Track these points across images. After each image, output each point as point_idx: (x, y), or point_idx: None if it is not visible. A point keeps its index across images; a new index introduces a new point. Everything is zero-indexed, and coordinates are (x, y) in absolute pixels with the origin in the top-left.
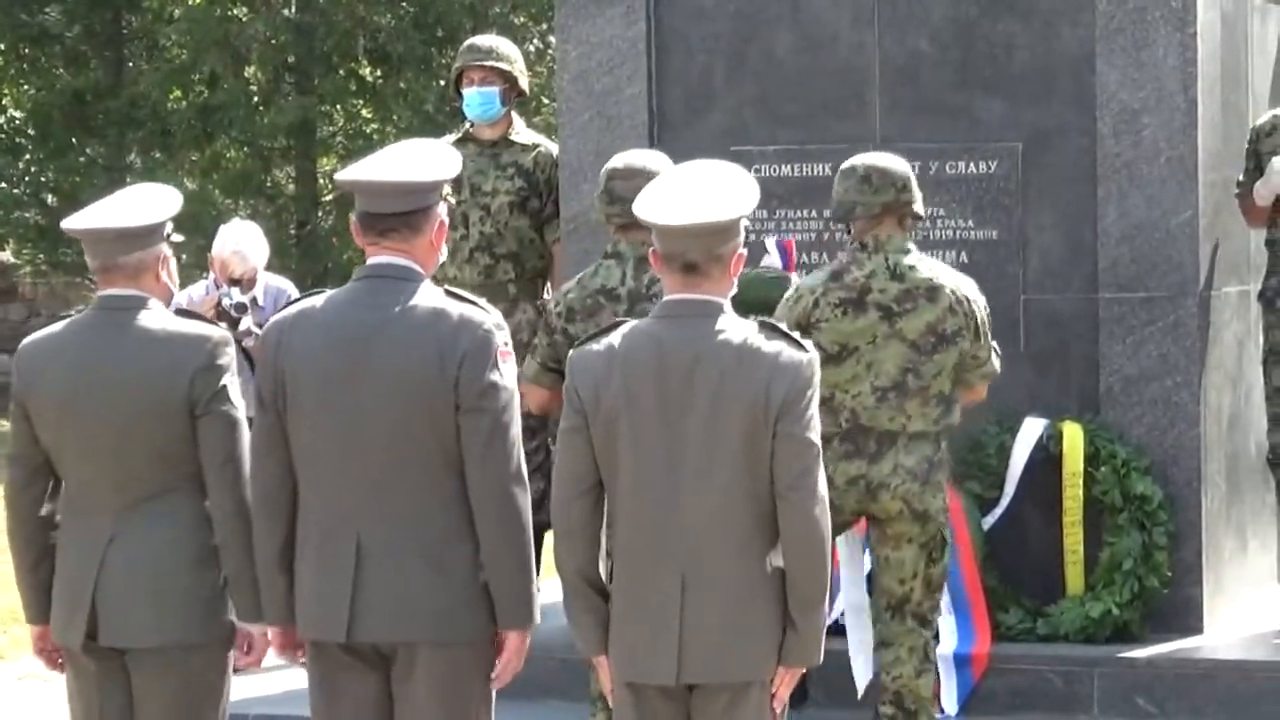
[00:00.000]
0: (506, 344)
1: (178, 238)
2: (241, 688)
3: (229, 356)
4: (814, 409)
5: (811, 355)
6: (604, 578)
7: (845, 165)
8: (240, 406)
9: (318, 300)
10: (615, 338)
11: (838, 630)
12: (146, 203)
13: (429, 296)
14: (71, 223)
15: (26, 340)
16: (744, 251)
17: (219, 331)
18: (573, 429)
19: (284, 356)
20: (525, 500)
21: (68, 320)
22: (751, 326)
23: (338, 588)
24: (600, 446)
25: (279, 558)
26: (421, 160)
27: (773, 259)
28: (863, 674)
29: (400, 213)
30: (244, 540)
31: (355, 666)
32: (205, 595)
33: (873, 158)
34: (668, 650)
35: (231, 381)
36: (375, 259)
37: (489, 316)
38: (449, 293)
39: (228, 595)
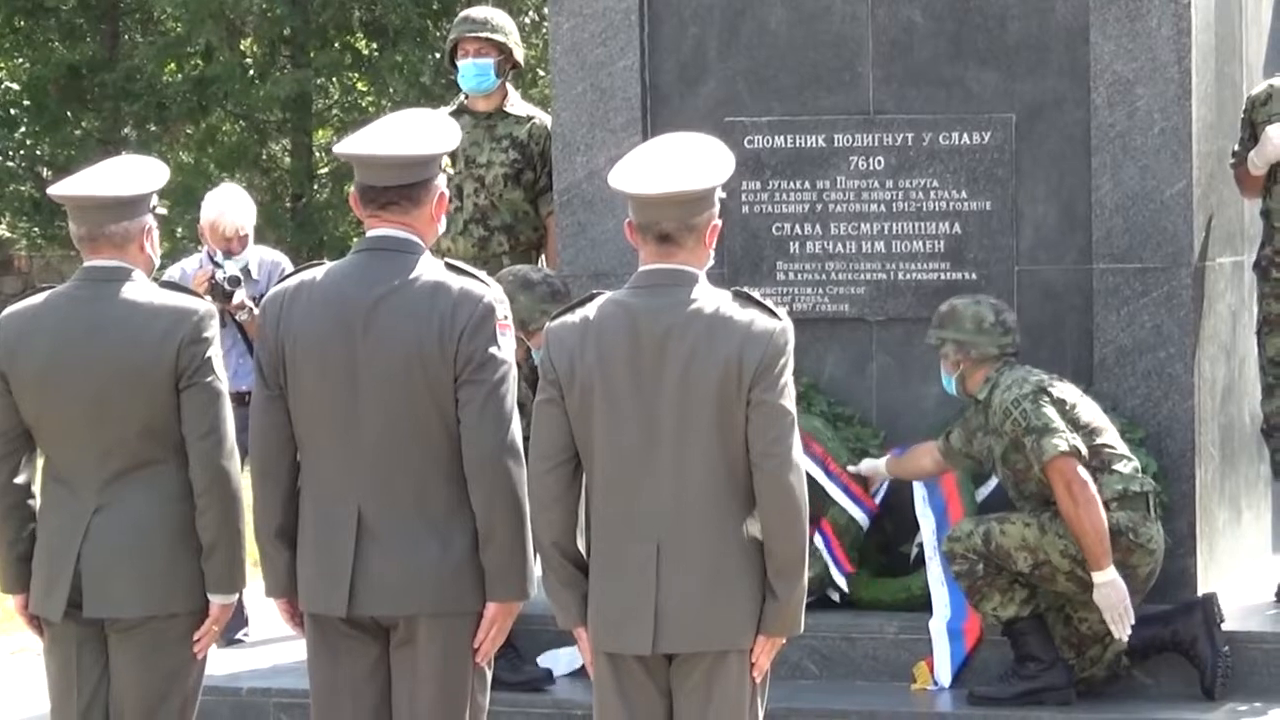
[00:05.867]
0: (506, 317)
1: (162, 210)
2: (233, 661)
3: (214, 329)
4: (788, 376)
5: (785, 324)
6: (583, 551)
7: None
8: (224, 379)
9: (317, 272)
10: (590, 309)
11: (827, 602)
12: (135, 173)
13: (429, 269)
14: (60, 189)
15: (8, 310)
16: (719, 222)
17: (204, 304)
18: (548, 401)
19: (284, 329)
20: (520, 472)
21: (51, 290)
22: (725, 295)
23: (338, 562)
24: (575, 418)
25: (280, 531)
26: (421, 132)
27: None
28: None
29: (400, 185)
30: (220, 512)
31: (355, 637)
32: (188, 567)
33: None
34: (644, 620)
35: (216, 354)
36: (375, 231)
37: (489, 290)
38: (449, 265)
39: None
